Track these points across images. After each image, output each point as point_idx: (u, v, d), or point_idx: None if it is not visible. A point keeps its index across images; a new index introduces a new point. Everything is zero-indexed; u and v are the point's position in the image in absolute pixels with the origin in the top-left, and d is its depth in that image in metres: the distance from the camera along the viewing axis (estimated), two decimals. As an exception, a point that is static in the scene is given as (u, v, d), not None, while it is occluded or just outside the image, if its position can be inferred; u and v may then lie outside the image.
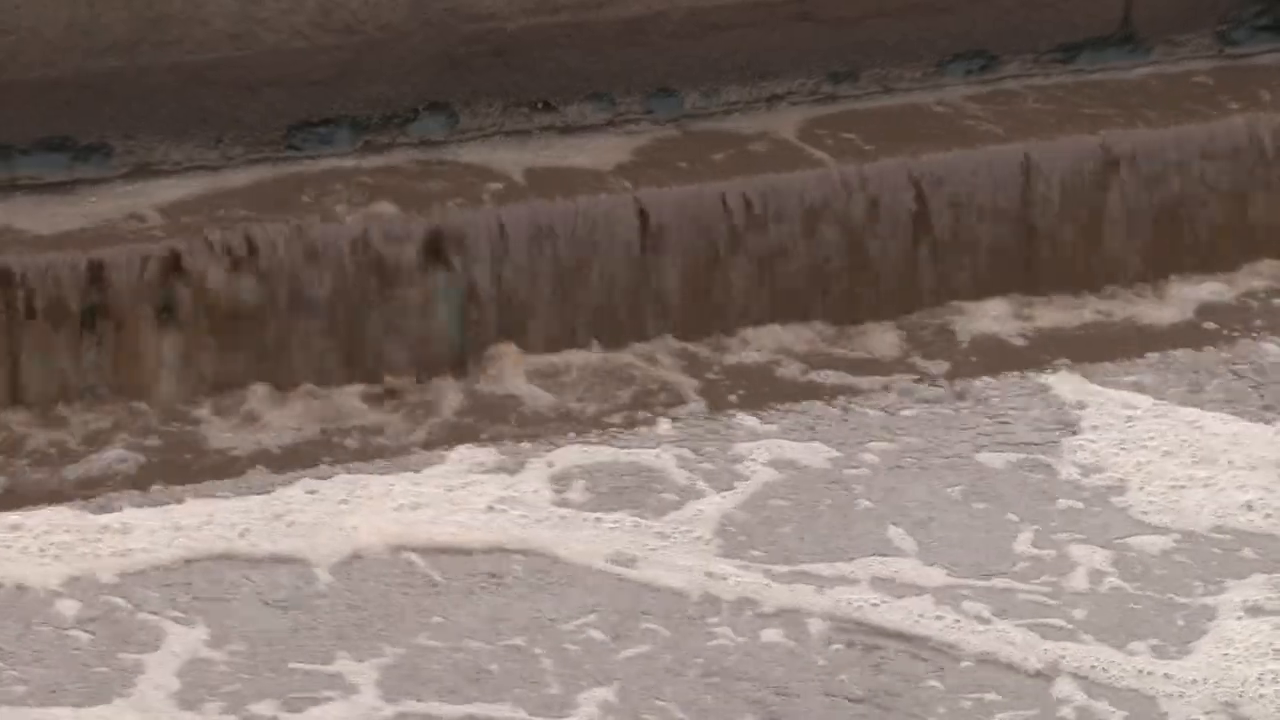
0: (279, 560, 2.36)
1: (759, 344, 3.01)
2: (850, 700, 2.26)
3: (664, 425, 2.75)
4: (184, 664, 2.09)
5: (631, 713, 2.19)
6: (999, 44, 3.23)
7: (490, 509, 2.49)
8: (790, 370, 2.96)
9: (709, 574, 2.45)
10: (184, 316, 2.77)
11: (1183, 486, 2.60)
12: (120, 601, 2.29)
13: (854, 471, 2.66)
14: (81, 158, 2.91)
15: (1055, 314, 3.10)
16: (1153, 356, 2.95)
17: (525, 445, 2.67)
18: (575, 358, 2.91)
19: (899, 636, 2.38)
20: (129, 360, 2.78)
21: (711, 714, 2.21)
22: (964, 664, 2.29)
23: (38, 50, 2.89)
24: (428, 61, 3.01)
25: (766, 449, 2.71)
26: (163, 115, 2.93)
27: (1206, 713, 2.19)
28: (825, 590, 2.45)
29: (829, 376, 2.93)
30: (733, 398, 2.84)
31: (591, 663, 2.24)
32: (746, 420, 2.81)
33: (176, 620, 2.20)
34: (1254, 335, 3.01)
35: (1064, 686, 2.24)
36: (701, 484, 2.63)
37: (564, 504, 2.56)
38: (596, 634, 2.32)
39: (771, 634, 2.38)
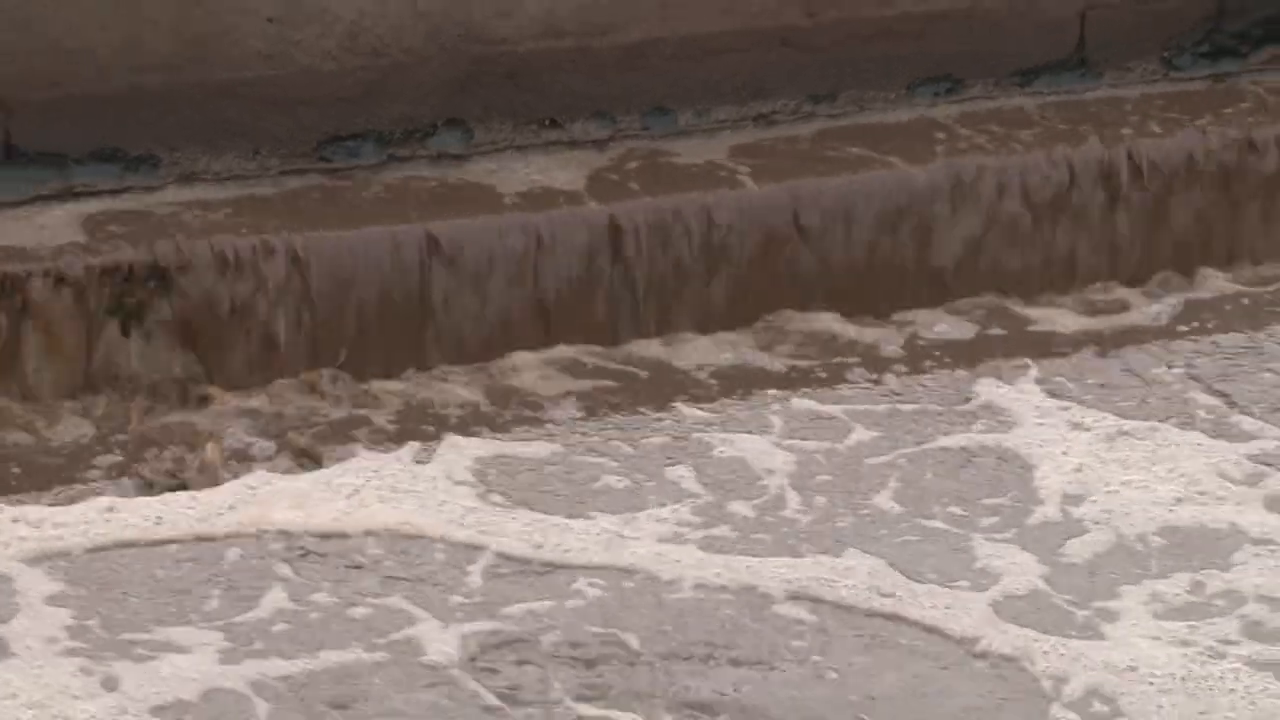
0: (177, 542, 2.44)
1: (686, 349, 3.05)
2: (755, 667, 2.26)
3: (597, 422, 2.81)
4: (50, 634, 2.22)
5: (495, 651, 2.22)
6: (963, 69, 3.37)
7: (382, 499, 2.56)
8: (729, 370, 3.00)
9: (606, 547, 2.47)
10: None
11: (1115, 490, 2.66)
12: (7, 584, 2.35)
13: (789, 468, 2.69)
14: (131, 168, 3.02)
15: (977, 324, 3.14)
16: (1087, 365, 3.01)
17: (437, 443, 2.71)
18: (514, 358, 2.95)
19: (827, 609, 2.39)
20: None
21: (578, 663, 2.24)
22: (920, 657, 2.32)
23: (91, 68, 2.99)
24: (445, 82, 3.13)
25: (696, 446, 2.75)
26: (205, 129, 3.05)
27: (1180, 709, 2.23)
28: (746, 570, 2.47)
29: (758, 380, 2.99)
30: (657, 399, 2.87)
31: (458, 617, 2.28)
32: (679, 419, 2.85)
33: (55, 597, 2.31)
34: (1178, 346, 3.05)
35: (1029, 680, 2.27)
36: (626, 480, 2.65)
37: (469, 496, 2.60)
38: (469, 590, 2.35)
39: (642, 599, 2.39)
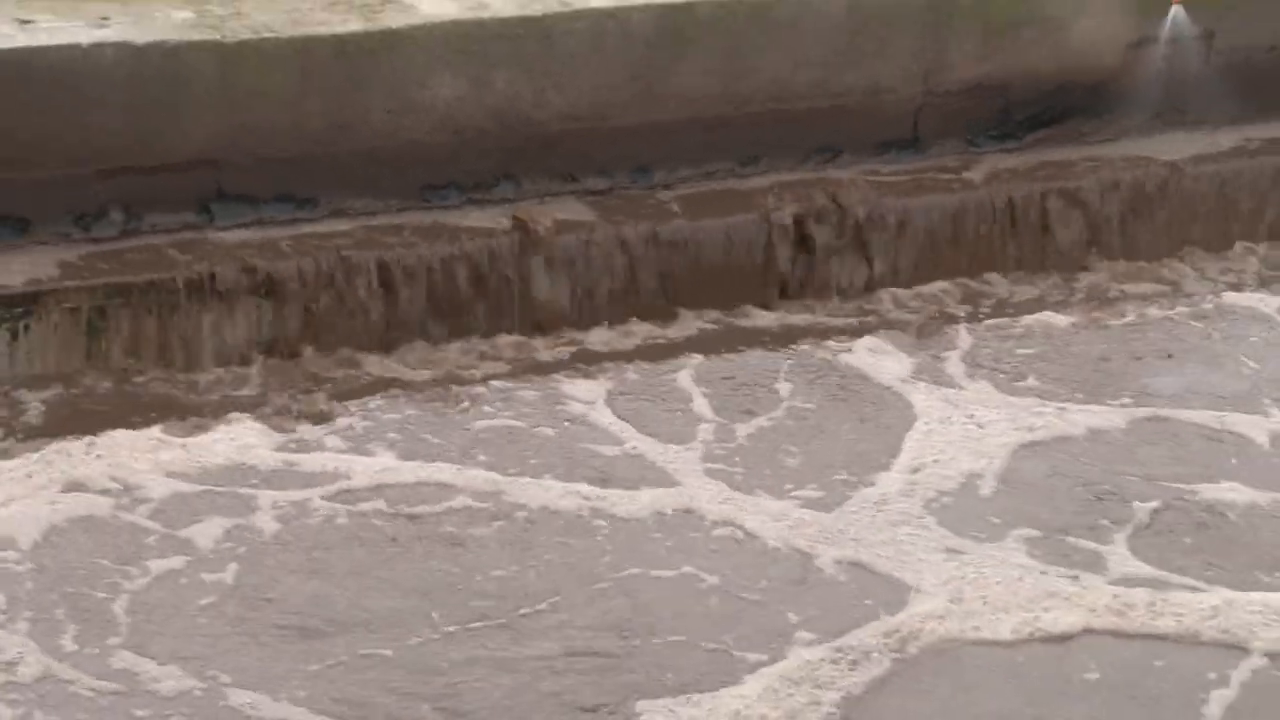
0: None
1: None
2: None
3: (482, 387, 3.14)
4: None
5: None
6: (839, 143, 3.97)
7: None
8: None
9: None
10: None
11: (946, 439, 3.03)
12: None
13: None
14: (300, 206, 3.56)
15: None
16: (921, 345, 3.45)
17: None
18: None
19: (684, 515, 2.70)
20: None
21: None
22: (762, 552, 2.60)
23: (274, 140, 3.51)
24: (503, 151, 3.70)
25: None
26: (348, 180, 3.60)
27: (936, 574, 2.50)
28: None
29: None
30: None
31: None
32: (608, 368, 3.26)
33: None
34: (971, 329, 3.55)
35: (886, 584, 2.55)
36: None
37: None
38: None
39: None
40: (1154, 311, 3.63)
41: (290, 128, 3.58)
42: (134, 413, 3.12)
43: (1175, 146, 4.09)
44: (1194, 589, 2.63)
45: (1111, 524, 2.78)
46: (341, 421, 3.09)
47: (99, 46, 3.37)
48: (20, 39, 3.36)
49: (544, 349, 3.50)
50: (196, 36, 3.45)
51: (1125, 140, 4.14)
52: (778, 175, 3.88)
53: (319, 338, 3.47)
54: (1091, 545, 2.73)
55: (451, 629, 2.42)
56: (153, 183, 3.47)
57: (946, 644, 2.41)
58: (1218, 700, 2.37)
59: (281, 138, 3.59)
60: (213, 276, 3.37)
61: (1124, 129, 4.18)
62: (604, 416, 3.11)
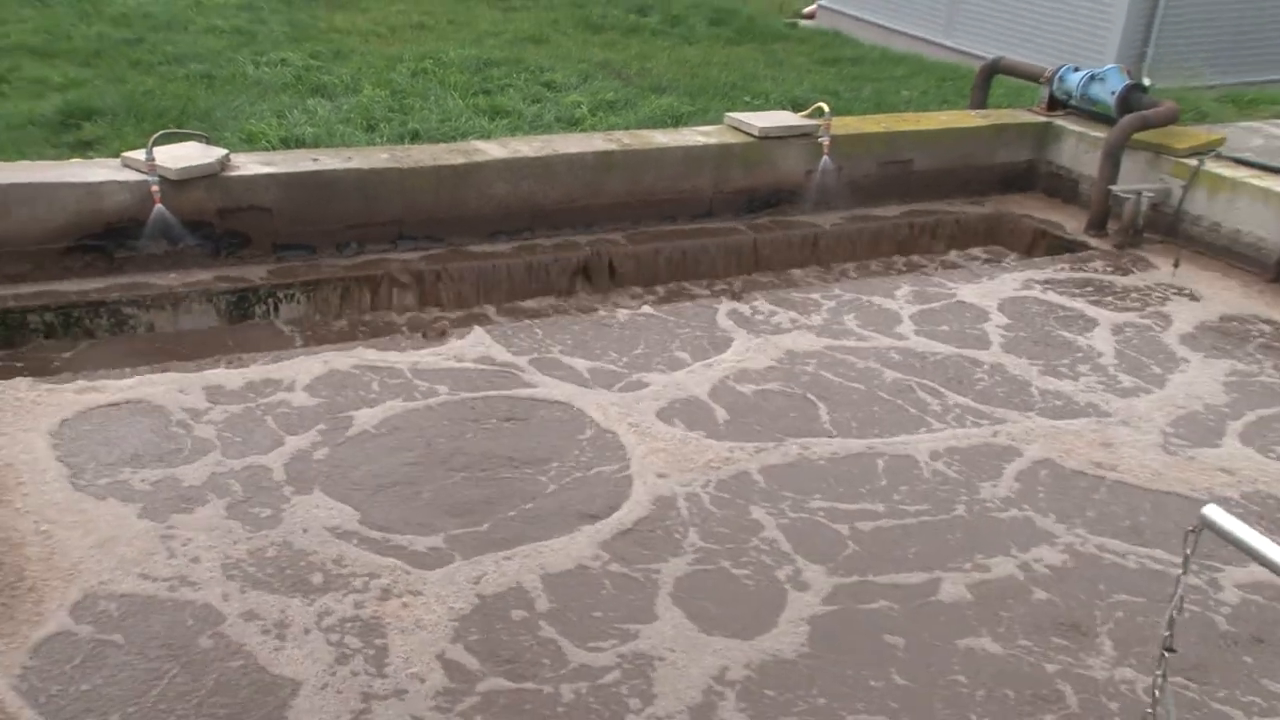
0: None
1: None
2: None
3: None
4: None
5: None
6: (677, 215, 6.46)
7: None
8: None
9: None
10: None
11: (769, 366, 4.97)
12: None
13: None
14: (435, 242, 6.06)
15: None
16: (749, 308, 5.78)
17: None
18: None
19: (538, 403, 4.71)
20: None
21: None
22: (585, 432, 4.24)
23: (424, 213, 6.01)
24: (527, 216, 6.20)
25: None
26: (457, 230, 6.05)
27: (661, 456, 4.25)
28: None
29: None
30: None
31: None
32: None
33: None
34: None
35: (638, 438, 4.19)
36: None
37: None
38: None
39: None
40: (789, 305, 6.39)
41: (432, 206, 6.11)
42: (369, 335, 5.75)
43: (826, 219, 6.81)
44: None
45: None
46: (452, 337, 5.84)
47: (346, 170, 6.04)
48: (311, 167, 6.23)
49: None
50: (389, 165, 6.11)
51: (808, 216, 6.88)
52: (648, 229, 6.48)
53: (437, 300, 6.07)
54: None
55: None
56: (369, 231, 6.00)
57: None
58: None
59: (428, 211, 6.09)
60: (383, 275, 6.08)
61: (803, 211, 6.90)
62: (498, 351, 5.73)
